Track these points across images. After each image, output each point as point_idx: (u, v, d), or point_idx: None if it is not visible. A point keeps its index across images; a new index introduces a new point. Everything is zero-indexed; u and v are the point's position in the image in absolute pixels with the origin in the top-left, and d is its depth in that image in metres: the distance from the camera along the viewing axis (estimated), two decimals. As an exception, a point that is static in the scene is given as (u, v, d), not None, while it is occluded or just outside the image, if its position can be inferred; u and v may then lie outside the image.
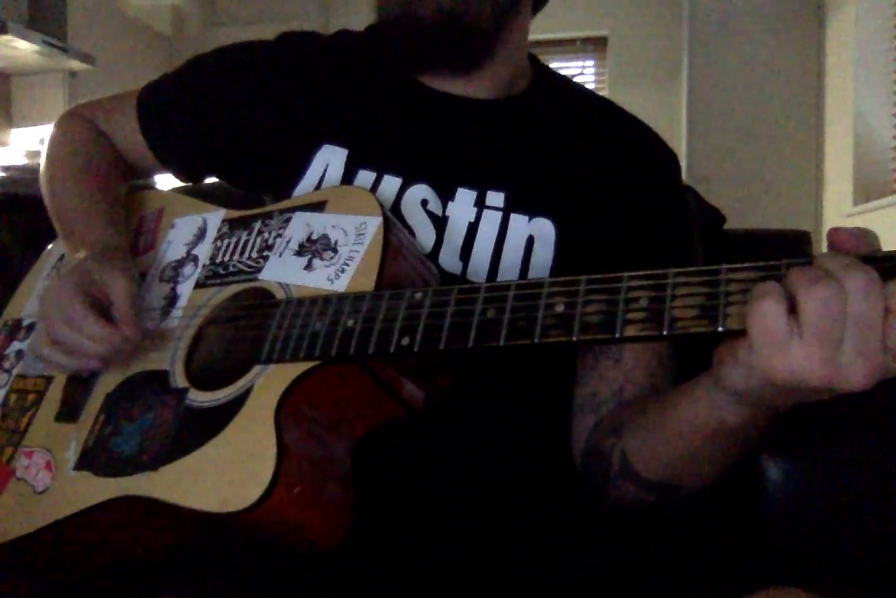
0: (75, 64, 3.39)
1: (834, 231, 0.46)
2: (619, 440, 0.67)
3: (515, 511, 0.74)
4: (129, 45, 4.16)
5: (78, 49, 3.38)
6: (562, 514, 0.76)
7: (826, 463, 0.93)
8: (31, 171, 2.65)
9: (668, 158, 0.85)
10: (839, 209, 3.85)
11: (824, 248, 0.48)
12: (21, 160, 3.19)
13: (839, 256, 0.44)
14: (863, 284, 0.42)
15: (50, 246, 0.94)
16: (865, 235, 0.45)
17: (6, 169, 2.74)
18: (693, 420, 0.58)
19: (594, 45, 4.48)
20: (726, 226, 1.15)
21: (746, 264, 0.47)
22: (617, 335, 0.49)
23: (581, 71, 4.54)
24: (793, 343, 0.44)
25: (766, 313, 0.44)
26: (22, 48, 3.07)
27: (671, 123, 4.18)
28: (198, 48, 0.95)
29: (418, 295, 0.58)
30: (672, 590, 0.62)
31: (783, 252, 1.12)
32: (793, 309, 0.44)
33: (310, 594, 0.64)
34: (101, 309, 0.69)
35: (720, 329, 0.46)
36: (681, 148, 4.19)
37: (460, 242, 0.76)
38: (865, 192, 3.66)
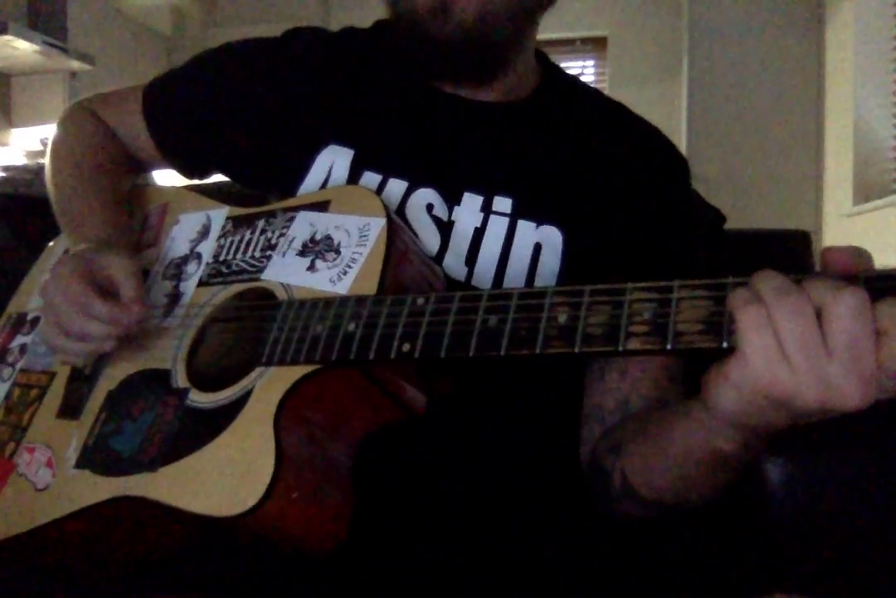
0: (75, 64, 3.39)
1: (827, 251, 0.46)
2: (618, 460, 0.66)
3: (516, 516, 0.74)
4: (129, 45, 4.16)
5: (78, 49, 3.39)
6: (563, 519, 0.76)
7: (828, 467, 0.92)
8: (31, 171, 2.64)
9: (678, 163, 0.84)
10: (839, 209, 3.85)
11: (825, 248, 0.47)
12: (21, 160, 3.19)
13: (827, 279, 0.43)
14: (851, 307, 0.41)
15: (51, 243, 0.93)
16: (859, 254, 0.45)
17: (6, 169, 2.73)
18: (688, 448, 0.58)
19: (594, 45, 4.48)
20: (726, 226, 1.15)
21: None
22: (620, 348, 0.48)
23: (581, 71, 4.54)
24: (782, 361, 0.43)
25: (757, 327, 0.43)
26: (22, 48, 3.08)
27: (671, 123, 4.17)
28: (198, 48, 0.94)
29: (420, 301, 0.58)
30: (674, 596, 0.62)
31: (783, 252, 1.12)
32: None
33: (309, 596, 0.64)
34: (106, 292, 0.69)
35: (724, 345, 0.45)
36: (681, 148, 4.16)
37: (466, 247, 0.75)
38: (865, 192, 3.65)
